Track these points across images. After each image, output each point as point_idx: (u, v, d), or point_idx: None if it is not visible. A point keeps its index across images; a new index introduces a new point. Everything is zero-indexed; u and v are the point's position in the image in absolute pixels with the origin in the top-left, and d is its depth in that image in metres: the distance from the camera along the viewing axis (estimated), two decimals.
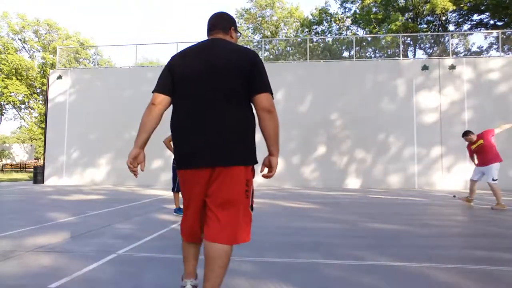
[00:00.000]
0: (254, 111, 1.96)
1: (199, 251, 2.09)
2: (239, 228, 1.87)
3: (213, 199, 1.88)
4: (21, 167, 31.12)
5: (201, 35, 79.51)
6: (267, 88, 1.91)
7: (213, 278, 1.82)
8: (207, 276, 1.84)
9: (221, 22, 2.11)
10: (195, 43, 2.07)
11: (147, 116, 1.97)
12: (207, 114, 1.86)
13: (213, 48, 1.98)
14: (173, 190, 5.96)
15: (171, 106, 2.03)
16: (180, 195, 6.01)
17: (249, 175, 1.94)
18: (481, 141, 7.00)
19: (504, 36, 16.70)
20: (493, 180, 6.90)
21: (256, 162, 1.98)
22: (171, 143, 5.89)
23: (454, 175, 12.99)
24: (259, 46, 28.12)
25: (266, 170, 2.02)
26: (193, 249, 2.08)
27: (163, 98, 1.97)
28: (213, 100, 1.87)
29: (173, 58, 2.04)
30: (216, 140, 1.84)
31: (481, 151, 7.01)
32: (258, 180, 13.76)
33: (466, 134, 7.23)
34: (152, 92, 2.00)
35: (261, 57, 22.14)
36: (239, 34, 2.24)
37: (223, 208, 1.86)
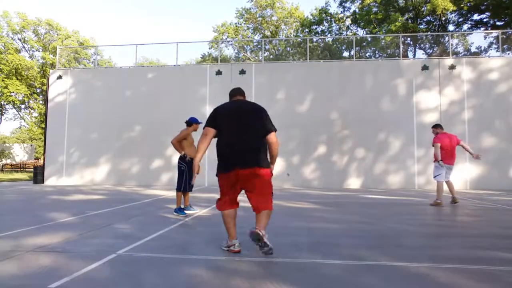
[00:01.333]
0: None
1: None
2: (270, 201, 3.34)
3: (252, 188, 3.28)
4: (21, 167, 31.13)
5: (201, 35, 79.48)
6: (272, 129, 3.35)
7: (263, 222, 3.26)
8: (259, 221, 3.26)
9: (240, 92, 3.59)
10: (229, 102, 3.57)
11: (203, 143, 3.32)
12: (243, 141, 3.27)
13: (242, 106, 3.48)
14: (178, 190, 5.90)
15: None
16: (182, 196, 6.02)
17: (270, 174, 3.38)
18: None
19: (504, 36, 16.70)
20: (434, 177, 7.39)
21: (270, 166, 3.42)
22: (180, 143, 5.85)
23: (453, 175, 12.96)
24: (259, 46, 28.14)
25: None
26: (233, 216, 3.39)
27: (212, 131, 3.34)
28: (245, 134, 3.29)
29: (217, 108, 3.44)
30: (250, 155, 3.26)
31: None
32: None
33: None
34: (204, 127, 3.37)
35: (261, 57, 22.15)
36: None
37: (262, 192, 3.30)
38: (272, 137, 3.31)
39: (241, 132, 3.27)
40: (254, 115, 3.36)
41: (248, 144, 3.24)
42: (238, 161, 3.20)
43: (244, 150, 3.23)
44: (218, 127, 3.32)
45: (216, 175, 3.39)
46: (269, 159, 3.40)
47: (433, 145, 7.38)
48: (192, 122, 6.00)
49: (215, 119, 3.34)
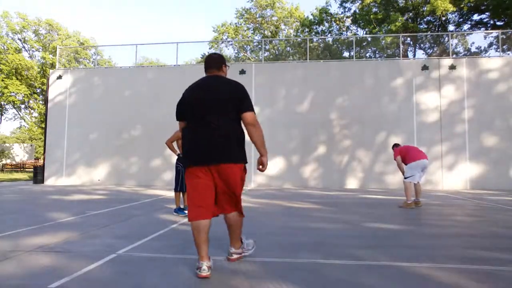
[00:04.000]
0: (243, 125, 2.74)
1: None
2: (239, 203, 2.80)
3: (223, 188, 2.70)
4: (21, 167, 31.13)
5: (201, 36, 79.50)
6: (250, 108, 2.69)
7: (235, 234, 2.87)
8: (231, 234, 2.88)
9: (214, 63, 2.87)
10: (199, 79, 2.86)
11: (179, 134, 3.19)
12: (209, 129, 2.64)
13: (211, 83, 2.78)
14: (175, 190, 5.92)
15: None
16: (181, 196, 6.02)
17: (242, 172, 2.75)
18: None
19: (504, 36, 16.69)
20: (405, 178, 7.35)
21: (246, 162, 2.76)
22: (174, 143, 5.91)
23: (454, 175, 13.00)
24: (259, 46, 28.12)
25: (261, 167, 2.79)
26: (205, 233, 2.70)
27: (183, 124, 2.82)
28: (213, 119, 2.64)
29: (184, 93, 2.84)
30: (217, 146, 2.63)
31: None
32: (258, 180, 13.75)
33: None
34: (176, 120, 2.87)
35: (261, 57, 22.23)
36: (228, 66, 3.04)
37: (230, 194, 2.73)
38: (248, 117, 2.68)
39: (204, 116, 2.68)
40: (221, 95, 2.72)
41: (208, 132, 2.66)
42: (202, 153, 2.65)
43: (205, 139, 2.66)
44: (186, 114, 2.81)
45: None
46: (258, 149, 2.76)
47: (395, 159, 7.42)
48: None
49: (180, 107, 2.85)
